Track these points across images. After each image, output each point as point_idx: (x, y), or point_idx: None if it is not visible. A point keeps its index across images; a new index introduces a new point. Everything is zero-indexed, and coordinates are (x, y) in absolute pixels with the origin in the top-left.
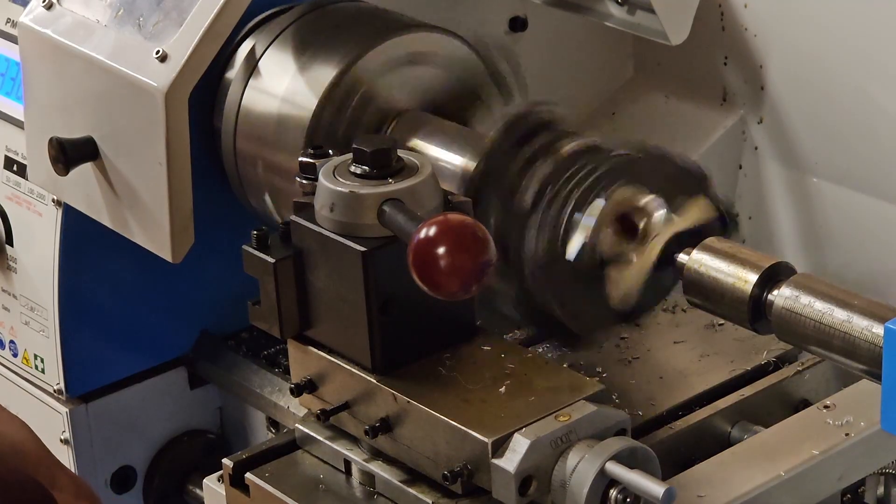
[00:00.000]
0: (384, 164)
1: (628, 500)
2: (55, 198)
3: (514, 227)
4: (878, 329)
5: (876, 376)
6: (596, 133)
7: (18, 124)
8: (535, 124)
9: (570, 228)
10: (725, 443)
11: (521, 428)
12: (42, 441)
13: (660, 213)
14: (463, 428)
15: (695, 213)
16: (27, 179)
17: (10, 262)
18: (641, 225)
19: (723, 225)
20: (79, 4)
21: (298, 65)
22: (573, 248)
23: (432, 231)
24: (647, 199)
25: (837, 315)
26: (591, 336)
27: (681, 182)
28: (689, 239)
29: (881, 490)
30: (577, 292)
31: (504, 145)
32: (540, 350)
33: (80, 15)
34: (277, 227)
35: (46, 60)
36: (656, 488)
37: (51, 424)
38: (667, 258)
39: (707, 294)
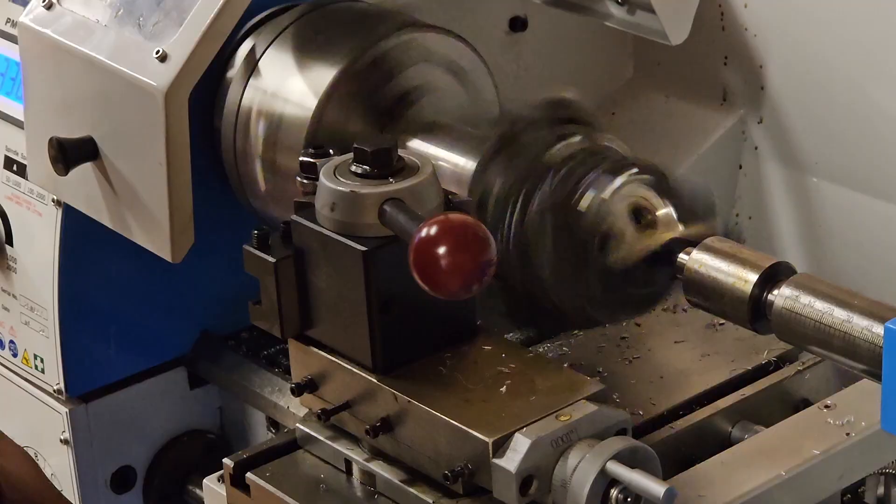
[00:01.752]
0: (385, 164)
1: (629, 499)
2: (55, 198)
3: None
4: (878, 329)
5: (876, 376)
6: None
7: (18, 124)
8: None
9: (587, 187)
10: (726, 442)
11: (522, 427)
12: (44, 474)
13: (668, 212)
14: (464, 427)
15: (698, 229)
16: (27, 179)
17: (10, 262)
18: (649, 217)
19: None
20: (79, 4)
21: (298, 65)
22: (584, 202)
23: (433, 230)
24: (658, 199)
25: (837, 315)
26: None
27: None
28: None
29: (881, 490)
30: (572, 261)
31: (530, 123)
32: (541, 350)
33: (80, 15)
34: (278, 227)
35: (46, 60)
36: (657, 488)
37: (51, 424)
38: (665, 256)
39: (707, 294)
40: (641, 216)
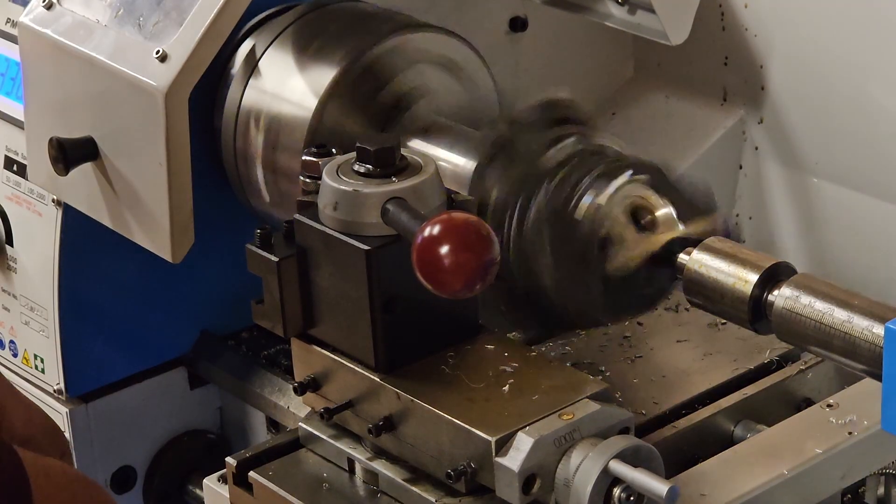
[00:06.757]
0: (388, 163)
1: (632, 498)
2: (55, 198)
3: (527, 186)
4: (879, 329)
5: (876, 376)
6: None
7: (18, 124)
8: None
9: (583, 192)
10: (728, 441)
11: (525, 426)
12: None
13: (668, 212)
14: (466, 426)
15: (699, 226)
16: (27, 179)
17: (10, 262)
18: (649, 218)
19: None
20: (79, 4)
21: (298, 65)
22: (581, 210)
23: (436, 230)
24: (657, 199)
25: (838, 315)
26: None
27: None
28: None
29: (881, 490)
30: (572, 268)
31: (531, 121)
32: (543, 349)
33: (80, 15)
34: (279, 227)
35: (46, 60)
36: (660, 487)
37: None
38: (666, 256)
39: (707, 294)
40: (640, 217)
